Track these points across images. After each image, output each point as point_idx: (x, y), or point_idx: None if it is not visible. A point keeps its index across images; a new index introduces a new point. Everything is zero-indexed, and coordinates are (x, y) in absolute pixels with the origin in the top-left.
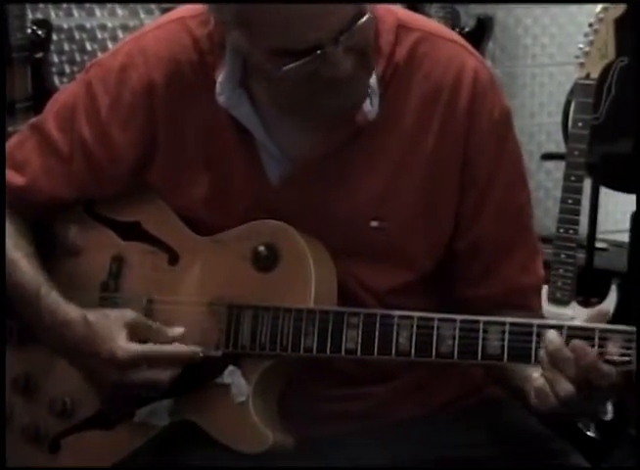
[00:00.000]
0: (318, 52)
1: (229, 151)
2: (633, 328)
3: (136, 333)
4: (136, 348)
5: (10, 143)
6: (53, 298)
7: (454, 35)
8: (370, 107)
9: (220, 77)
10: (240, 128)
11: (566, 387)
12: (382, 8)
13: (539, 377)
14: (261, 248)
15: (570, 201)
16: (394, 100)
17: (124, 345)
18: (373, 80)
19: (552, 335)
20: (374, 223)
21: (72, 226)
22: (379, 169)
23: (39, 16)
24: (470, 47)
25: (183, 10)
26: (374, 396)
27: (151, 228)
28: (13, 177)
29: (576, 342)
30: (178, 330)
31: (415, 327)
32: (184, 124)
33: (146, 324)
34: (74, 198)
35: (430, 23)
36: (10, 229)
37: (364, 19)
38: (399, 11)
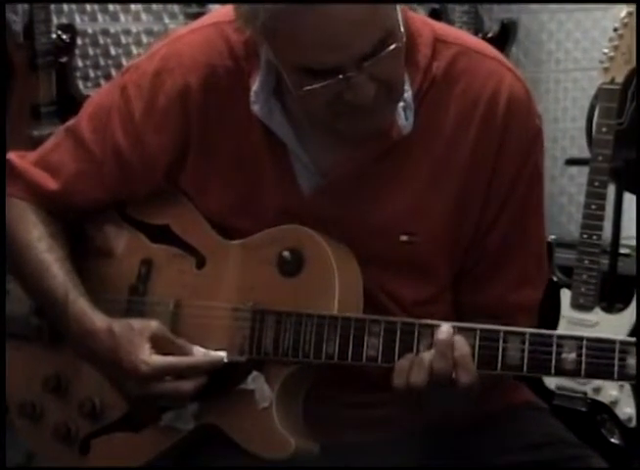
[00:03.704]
0: (340, 76)
1: (261, 159)
2: None
3: (159, 346)
4: (159, 361)
5: (44, 146)
6: (80, 305)
7: (492, 50)
8: (405, 121)
9: (255, 86)
10: (273, 137)
11: (421, 376)
12: (418, 21)
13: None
14: (286, 253)
15: (593, 206)
16: (429, 115)
17: (147, 358)
18: (408, 95)
19: (445, 327)
20: (404, 238)
21: (104, 228)
22: (411, 184)
23: (64, 20)
24: (508, 63)
25: (219, 14)
26: (398, 403)
27: (180, 232)
28: (47, 181)
29: (457, 337)
30: (201, 351)
31: (434, 336)
32: (217, 130)
33: (169, 339)
34: (107, 200)
35: (467, 37)
36: (45, 232)
37: (391, 47)
38: (435, 24)
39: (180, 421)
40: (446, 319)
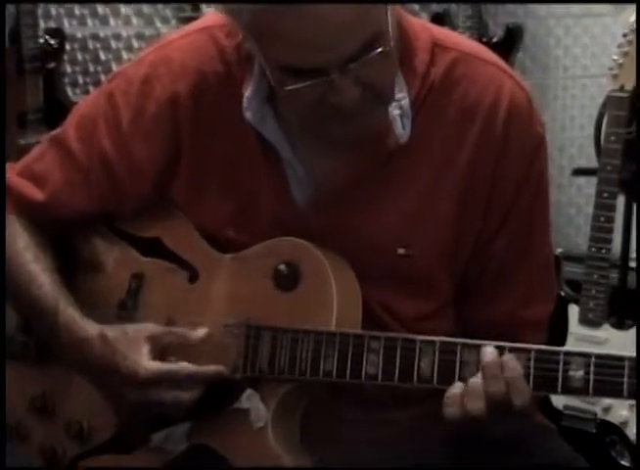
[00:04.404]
0: (323, 78)
1: (255, 167)
2: None
3: (159, 345)
4: (159, 366)
5: (30, 156)
6: (70, 314)
7: (492, 56)
8: (402, 130)
9: (248, 92)
10: (267, 146)
11: (479, 403)
12: (416, 25)
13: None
14: (282, 266)
15: (602, 218)
16: (427, 123)
17: (146, 363)
18: (405, 102)
19: (490, 349)
20: (401, 251)
21: (93, 241)
22: (409, 195)
23: (52, 25)
24: (509, 69)
25: (210, 19)
26: (397, 422)
27: (171, 244)
28: (33, 192)
29: (508, 356)
30: (202, 331)
31: (437, 353)
32: (209, 139)
33: (168, 332)
34: (95, 212)
35: (467, 42)
36: (30, 242)
37: (377, 50)
38: (434, 29)
39: (171, 442)
40: (448, 335)
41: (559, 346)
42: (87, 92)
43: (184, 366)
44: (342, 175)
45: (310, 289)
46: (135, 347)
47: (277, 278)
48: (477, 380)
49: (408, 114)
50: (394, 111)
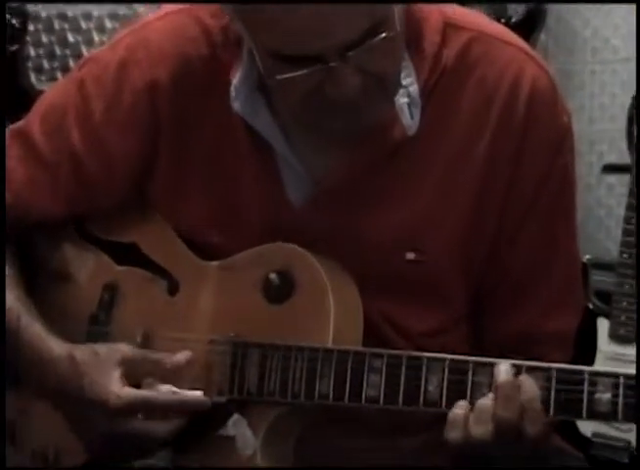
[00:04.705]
0: (319, 65)
1: (244, 164)
2: None
3: (133, 371)
4: (132, 394)
5: None
6: (35, 331)
7: (512, 36)
8: (410, 120)
9: (236, 79)
10: (258, 139)
11: (485, 427)
12: (426, 5)
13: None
14: (273, 275)
15: (634, 221)
16: (439, 112)
17: (118, 390)
18: (414, 89)
19: (504, 367)
20: (410, 256)
21: (61, 248)
22: (419, 193)
23: (13, 3)
24: (531, 51)
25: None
26: (402, 450)
27: (149, 251)
28: None
29: (524, 376)
30: (182, 356)
31: (446, 372)
32: (191, 131)
33: (144, 356)
34: (64, 215)
35: (483, 20)
36: None
37: (381, 36)
38: (447, 7)
39: (155, 463)
40: (460, 353)
41: (586, 365)
42: (54, 79)
43: (160, 395)
44: (344, 171)
45: (305, 301)
46: (105, 371)
47: (267, 289)
48: (487, 401)
49: (417, 102)
50: (402, 99)
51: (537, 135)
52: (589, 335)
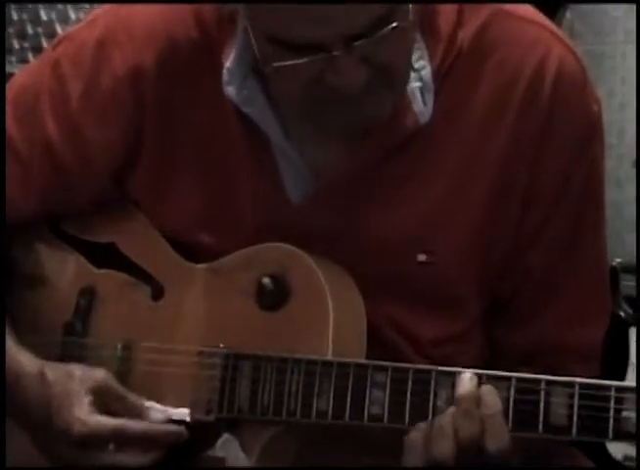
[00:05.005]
0: (322, 54)
1: (237, 157)
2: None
3: (104, 402)
4: (101, 422)
5: None
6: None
7: (536, 14)
8: (422, 106)
9: (229, 62)
10: (252, 129)
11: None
12: None
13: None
14: (266, 280)
15: None
16: (454, 98)
17: (85, 416)
18: (427, 72)
19: (467, 376)
20: (421, 257)
21: (35, 249)
22: (431, 188)
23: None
24: (557, 30)
25: None
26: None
27: (129, 252)
28: None
29: (486, 387)
30: (160, 411)
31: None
32: (179, 121)
33: (119, 395)
34: (36, 211)
35: None
36: None
37: (390, 26)
38: None
39: None
40: (474, 364)
41: (618, 379)
42: (25, 60)
43: (133, 424)
44: (347, 165)
45: (301, 308)
46: (75, 395)
47: (260, 295)
48: (446, 418)
49: (430, 87)
50: (414, 83)
51: (563, 125)
52: (619, 346)
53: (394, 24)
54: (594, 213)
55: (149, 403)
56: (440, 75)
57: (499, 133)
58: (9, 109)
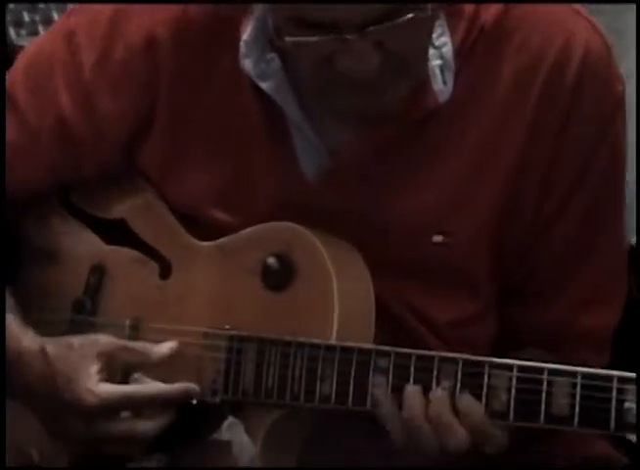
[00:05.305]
0: (333, 35)
1: (252, 131)
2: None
3: (114, 364)
4: (111, 390)
5: None
6: (6, 322)
7: None
8: (442, 85)
9: (246, 34)
10: (268, 104)
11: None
12: None
13: None
14: (271, 260)
15: None
16: (476, 77)
17: (93, 387)
18: (448, 50)
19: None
20: (437, 238)
21: (46, 224)
22: (449, 168)
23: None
24: (582, 10)
25: None
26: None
27: (139, 229)
28: None
29: (465, 397)
30: (167, 346)
31: (459, 375)
32: (194, 94)
33: (124, 348)
34: (49, 183)
35: None
36: None
37: (406, 16)
38: None
39: None
40: (491, 345)
41: (633, 370)
42: (36, 33)
43: (142, 388)
44: (364, 143)
45: (306, 288)
46: (80, 366)
47: (266, 275)
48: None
49: (451, 65)
50: (434, 61)
51: (588, 106)
52: (635, 332)
53: (410, 16)
54: (614, 197)
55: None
56: (462, 54)
57: (521, 114)
58: (20, 78)
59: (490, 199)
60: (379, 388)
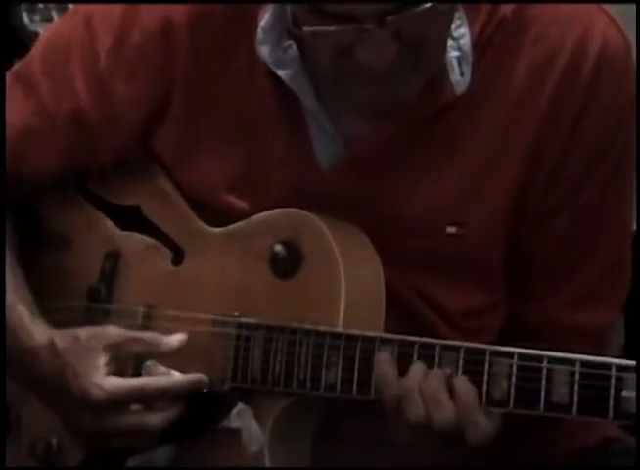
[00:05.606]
0: (353, 26)
1: (267, 119)
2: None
3: (123, 356)
4: (118, 384)
5: None
6: (19, 313)
7: None
8: (459, 77)
9: (264, 21)
10: (285, 92)
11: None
12: None
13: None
14: (279, 247)
15: None
16: (492, 69)
17: (100, 380)
18: (466, 41)
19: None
20: (451, 229)
21: (63, 210)
22: (464, 159)
23: None
24: (602, 5)
25: None
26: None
27: (153, 215)
28: None
29: (462, 378)
30: (176, 338)
31: (461, 362)
32: (210, 80)
33: (132, 339)
34: (64, 169)
35: None
36: None
37: (425, 5)
38: None
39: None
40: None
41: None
42: (50, 19)
43: (150, 381)
44: (380, 133)
45: (313, 275)
46: (88, 358)
47: (274, 262)
48: (411, 381)
49: (468, 57)
50: (452, 52)
51: (604, 100)
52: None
53: (428, 5)
54: (621, 192)
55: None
56: (479, 45)
57: (537, 106)
58: (38, 62)
59: (504, 190)
60: (384, 357)
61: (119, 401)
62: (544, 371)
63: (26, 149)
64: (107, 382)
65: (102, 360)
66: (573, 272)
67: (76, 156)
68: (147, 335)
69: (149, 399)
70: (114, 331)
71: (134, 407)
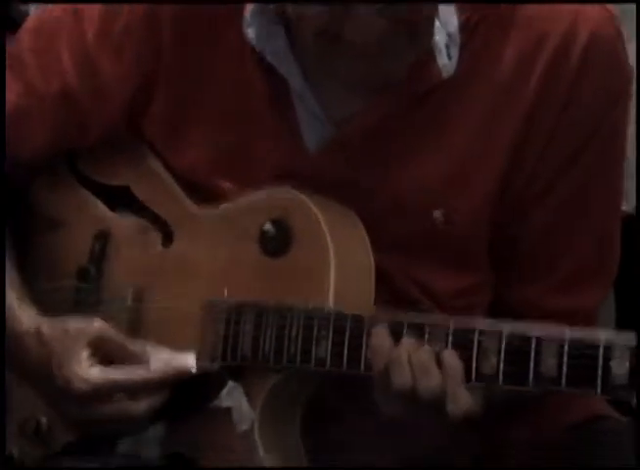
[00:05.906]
0: (339, 4)
1: (254, 100)
2: None
3: (103, 354)
4: (100, 376)
5: None
6: (8, 298)
7: None
8: (447, 60)
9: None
10: (272, 74)
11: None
12: None
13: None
14: (268, 225)
15: None
16: (481, 53)
17: (83, 372)
18: (453, 25)
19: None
20: (438, 213)
21: (54, 191)
22: (451, 143)
23: None
24: None
25: None
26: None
27: (142, 196)
28: None
29: (450, 351)
30: (161, 360)
31: (450, 338)
32: (196, 61)
33: (118, 344)
34: (54, 147)
35: None
36: None
37: None
38: None
39: (142, 447)
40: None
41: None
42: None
43: (134, 373)
44: (367, 116)
45: (303, 254)
46: (73, 350)
47: (263, 241)
48: (401, 349)
49: (456, 40)
50: (439, 35)
51: (594, 87)
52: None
53: None
54: (610, 177)
55: (151, 349)
56: (467, 30)
57: (525, 91)
58: (27, 39)
59: (491, 174)
60: (381, 329)
61: (102, 393)
62: (533, 342)
63: (18, 128)
64: (90, 374)
65: (85, 353)
66: (556, 260)
67: (67, 133)
68: (132, 346)
69: (132, 389)
70: (100, 325)
71: (118, 395)
